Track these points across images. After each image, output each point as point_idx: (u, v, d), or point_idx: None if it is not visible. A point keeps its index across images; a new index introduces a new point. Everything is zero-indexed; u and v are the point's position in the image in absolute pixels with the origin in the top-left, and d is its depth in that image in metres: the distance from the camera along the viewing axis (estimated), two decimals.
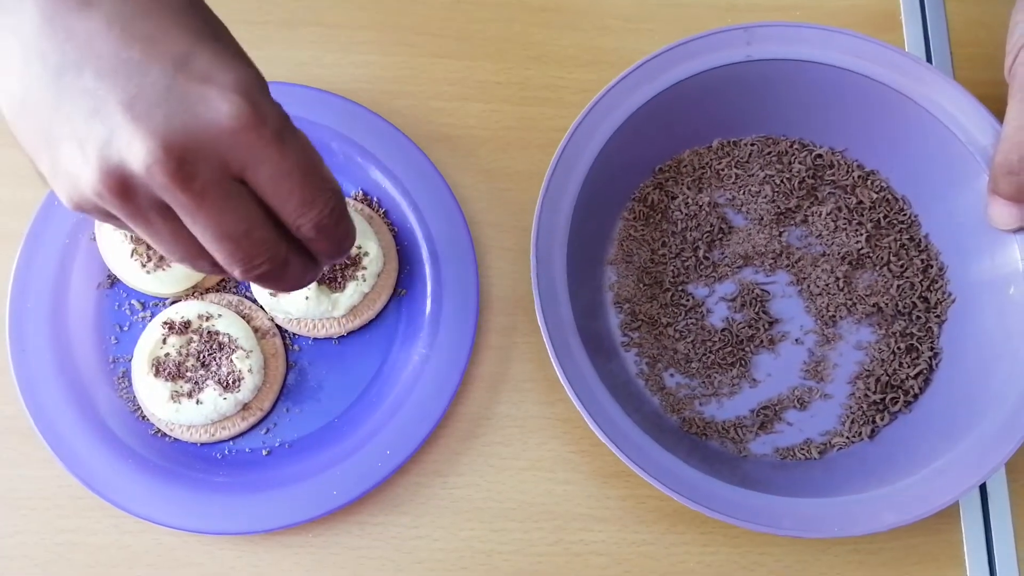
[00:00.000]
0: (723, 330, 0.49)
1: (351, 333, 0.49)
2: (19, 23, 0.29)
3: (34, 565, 0.47)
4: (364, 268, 0.48)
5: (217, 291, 0.50)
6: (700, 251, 0.50)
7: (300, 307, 0.47)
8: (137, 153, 0.27)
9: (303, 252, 0.32)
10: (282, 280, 0.32)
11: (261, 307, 0.49)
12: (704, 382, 0.48)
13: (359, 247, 0.48)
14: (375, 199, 0.51)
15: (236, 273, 0.31)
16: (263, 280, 0.31)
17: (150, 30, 0.28)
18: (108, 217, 0.30)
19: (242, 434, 0.48)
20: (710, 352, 0.48)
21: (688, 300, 0.50)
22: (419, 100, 0.53)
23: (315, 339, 0.49)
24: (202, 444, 0.48)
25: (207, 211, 0.29)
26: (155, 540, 0.47)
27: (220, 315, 0.48)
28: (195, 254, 0.31)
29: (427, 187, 0.50)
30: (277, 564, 0.47)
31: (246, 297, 0.50)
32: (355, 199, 0.51)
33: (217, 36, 0.30)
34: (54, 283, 0.49)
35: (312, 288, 0.47)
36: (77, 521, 0.47)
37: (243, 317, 0.49)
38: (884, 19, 0.56)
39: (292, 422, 0.48)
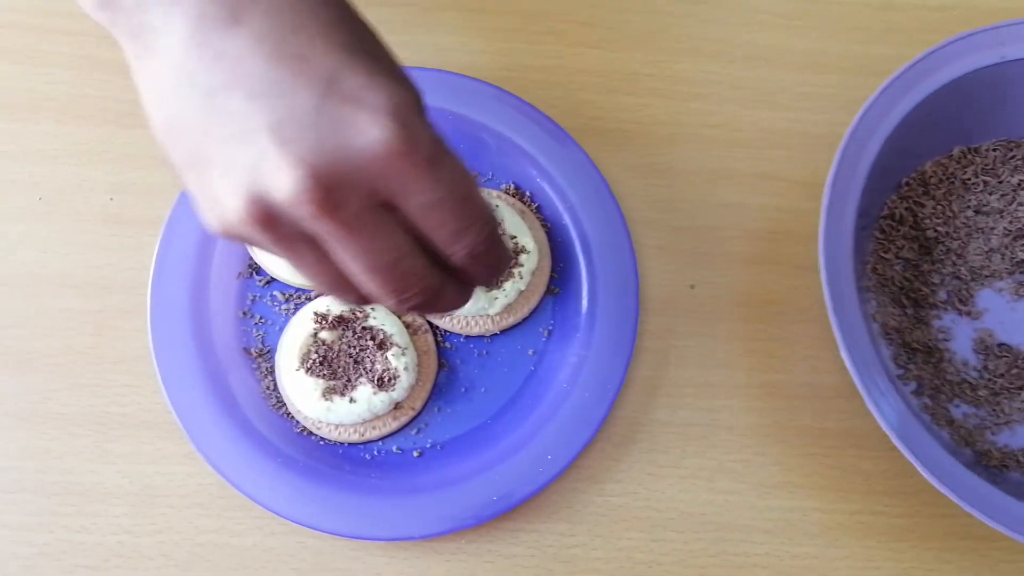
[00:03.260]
0: (1000, 346, 0.47)
1: (503, 331, 0.48)
2: (169, 45, 0.27)
3: (175, 565, 0.44)
4: (521, 265, 0.46)
5: None
6: (960, 265, 0.48)
7: None
8: (283, 181, 0.25)
9: (455, 277, 0.30)
10: (436, 307, 0.30)
11: None
12: (993, 410, 0.46)
13: (516, 242, 0.46)
14: (528, 193, 0.49)
15: (389, 304, 0.29)
16: (417, 309, 0.30)
17: (300, 48, 0.27)
18: (256, 243, 0.28)
19: (392, 434, 0.46)
20: (996, 376, 0.46)
21: (958, 321, 0.47)
22: (567, 91, 0.51)
23: (467, 336, 0.48)
24: (350, 444, 0.46)
25: (355, 241, 0.27)
26: (300, 543, 0.45)
27: (373, 309, 0.45)
28: (343, 285, 0.29)
29: (582, 182, 0.48)
30: (427, 571, 0.45)
31: None
32: (506, 192, 0.49)
33: (371, 51, 0.28)
34: (194, 272, 0.47)
35: None
36: (219, 521, 0.45)
37: (393, 313, 0.47)
38: None
39: (444, 422, 0.47)
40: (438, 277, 0.29)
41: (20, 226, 0.48)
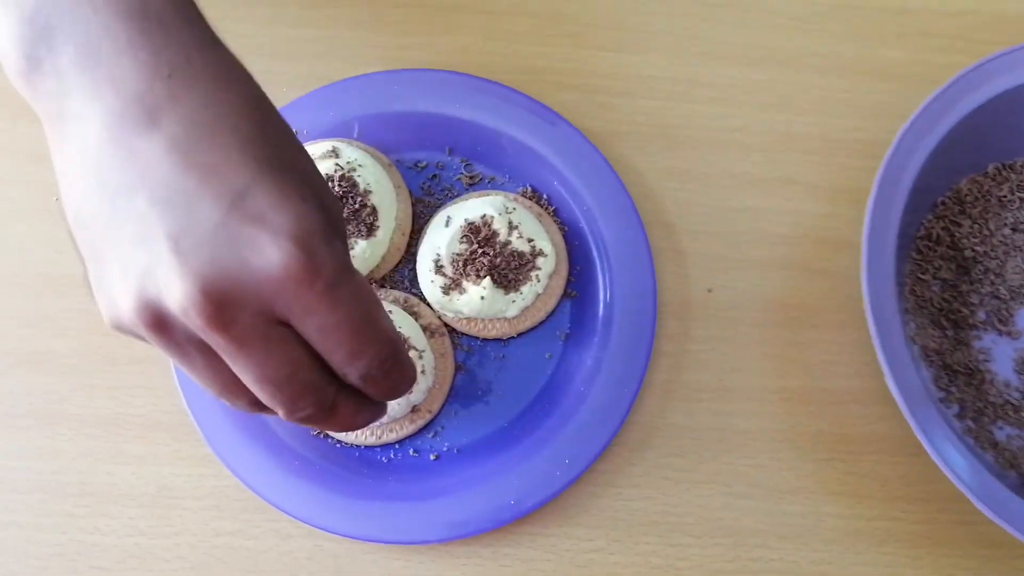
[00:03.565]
0: None
1: (520, 335, 0.47)
2: (84, 134, 0.27)
3: (190, 568, 0.44)
4: (538, 268, 0.46)
5: (382, 287, 0.47)
6: (999, 284, 0.47)
7: (475, 306, 0.45)
8: (175, 292, 0.25)
9: (355, 393, 0.30)
10: (330, 423, 0.30)
11: (429, 305, 0.47)
12: None
13: (533, 245, 0.46)
14: (545, 196, 0.49)
15: (280, 414, 0.29)
16: (309, 422, 0.30)
17: (212, 158, 0.26)
18: (151, 343, 0.28)
19: (409, 437, 0.46)
20: None
21: (999, 341, 0.47)
22: (584, 94, 0.51)
23: (483, 340, 0.47)
24: (366, 447, 0.46)
25: (247, 356, 0.27)
26: (316, 546, 0.45)
27: (390, 311, 0.45)
28: (235, 392, 0.29)
29: (599, 185, 0.48)
30: (443, 575, 0.45)
31: (412, 294, 0.47)
32: (523, 195, 0.49)
33: (286, 166, 0.28)
34: None
35: (488, 288, 0.45)
36: (236, 524, 0.45)
37: (410, 315, 0.46)
38: None
39: (461, 425, 0.46)
40: (332, 392, 0.29)
41: (35, 226, 0.48)
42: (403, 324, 0.45)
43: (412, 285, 0.48)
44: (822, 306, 0.49)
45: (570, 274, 0.48)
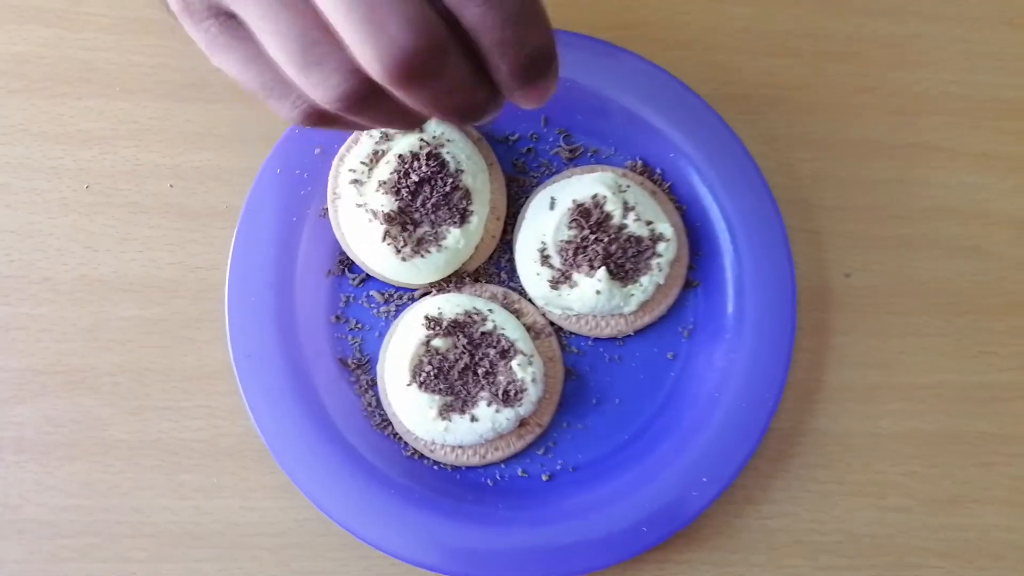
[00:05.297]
0: None
1: (637, 332, 0.41)
2: None
3: None
4: (659, 256, 0.40)
5: (476, 281, 0.41)
6: None
7: (588, 302, 0.39)
8: None
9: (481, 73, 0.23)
10: (441, 81, 0.22)
11: (531, 301, 0.41)
12: None
13: (652, 229, 0.40)
14: (658, 171, 0.42)
15: (372, 59, 0.21)
16: (422, 81, 0.21)
17: None
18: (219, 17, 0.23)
19: (516, 455, 0.40)
20: None
21: None
22: (695, 52, 0.44)
23: (595, 340, 0.41)
24: (468, 468, 0.40)
25: None
26: None
27: (491, 310, 0.39)
28: (319, 36, 0.21)
29: (724, 156, 0.42)
30: None
31: (511, 288, 0.41)
32: (633, 170, 0.42)
33: None
34: (277, 271, 0.40)
35: (604, 280, 0.39)
36: (320, 563, 0.39)
37: (511, 313, 0.40)
38: None
39: (575, 440, 0.40)
40: (444, 33, 0.21)
41: (65, 220, 0.40)
42: (508, 325, 0.39)
43: (510, 278, 0.41)
44: (975, 289, 0.43)
45: (691, 260, 0.42)
